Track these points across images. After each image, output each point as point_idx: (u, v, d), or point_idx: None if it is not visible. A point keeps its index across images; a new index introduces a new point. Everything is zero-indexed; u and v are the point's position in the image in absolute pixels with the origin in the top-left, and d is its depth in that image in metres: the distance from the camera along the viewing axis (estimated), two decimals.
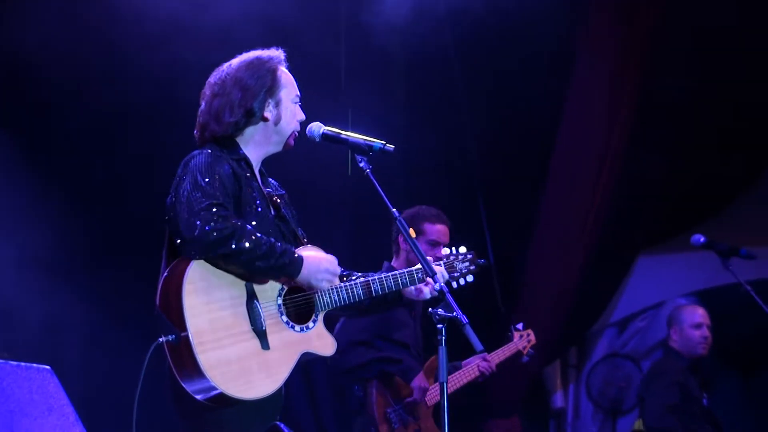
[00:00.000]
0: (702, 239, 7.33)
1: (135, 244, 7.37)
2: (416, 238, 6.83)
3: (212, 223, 4.33)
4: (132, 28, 7.57)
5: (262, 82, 4.73)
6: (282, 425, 4.49)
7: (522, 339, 7.32)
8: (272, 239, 4.49)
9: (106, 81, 7.73)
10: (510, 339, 7.32)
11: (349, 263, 5.00)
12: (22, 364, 4.68)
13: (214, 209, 4.37)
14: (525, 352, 7.31)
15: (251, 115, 4.71)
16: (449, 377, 6.99)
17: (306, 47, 7.48)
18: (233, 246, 4.35)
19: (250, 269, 4.44)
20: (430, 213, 7.04)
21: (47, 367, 4.75)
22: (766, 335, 8.72)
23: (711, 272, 9.28)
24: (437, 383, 6.98)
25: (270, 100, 4.75)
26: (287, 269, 4.51)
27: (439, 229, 7.00)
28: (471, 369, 7.10)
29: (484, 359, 7.12)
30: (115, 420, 4.77)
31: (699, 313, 8.16)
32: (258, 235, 4.43)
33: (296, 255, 4.53)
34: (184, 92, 5.38)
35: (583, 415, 10.32)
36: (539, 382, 10.25)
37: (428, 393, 6.93)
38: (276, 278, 4.55)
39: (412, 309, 6.98)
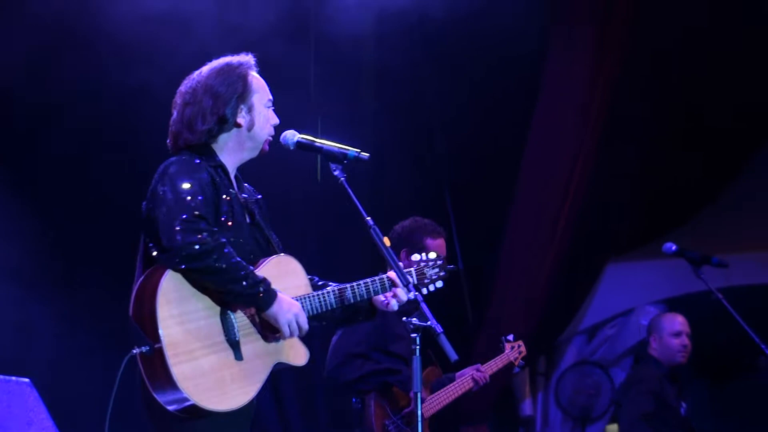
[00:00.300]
0: (674, 247, 7.30)
1: (107, 255, 7.32)
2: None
3: (196, 236, 4.27)
4: (108, 46, 7.55)
5: (234, 88, 4.67)
6: None
7: (513, 350, 7.32)
8: (251, 267, 4.43)
9: (80, 97, 7.68)
10: (502, 350, 7.31)
11: (319, 270, 4.95)
12: (1, 376, 4.61)
13: (196, 221, 4.31)
14: (516, 363, 7.32)
15: (224, 122, 4.65)
16: (444, 390, 7.01)
17: (274, 54, 7.45)
18: (213, 263, 4.29)
19: (223, 290, 4.37)
20: (429, 228, 6.97)
21: (26, 380, 4.68)
22: (735, 343, 8.73)
23: (680, 280, 9.33)
24: (433, 394, 6.98)
25: (242, 106, 4.68)
26: (258, 300, 4.44)
27: (440, 244, 6.96)
28: (465, 380, 7.09)
29: (478, 370, 7.12)
30: None
31: (678, 321, 8.14)
32: (238, 259, 4.36)
33: (271, 289, 4.46)
34: (158, 108, 5.31)
35: (552, 423, 10.32)
36: (508, 390, 10.24)
37: (425, 404, 6.91)
38: (245, 305, 4.47)
39: None
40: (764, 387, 8.48)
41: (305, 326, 4.56)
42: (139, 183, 4.85)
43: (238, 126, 4.68)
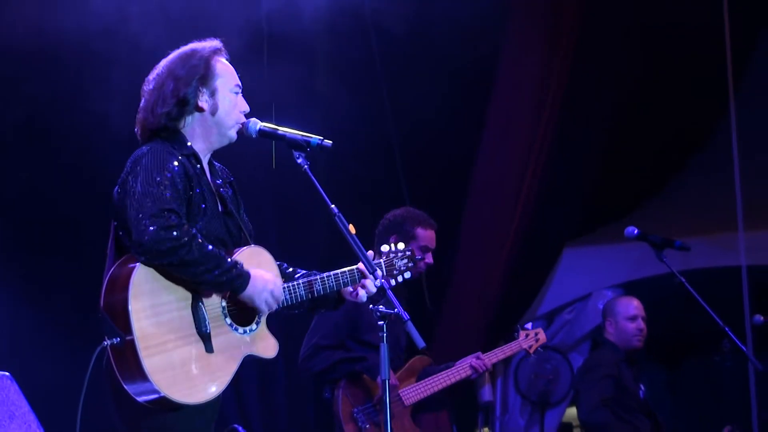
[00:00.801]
0: (636, 231, 7.28)
1: (69, 244, 7.28)
2: (408, 243, 6.69)
3: (165, 232, 4.22)
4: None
5: (195, 70, 4.60)
6: (239, 427, 4.44)
7: (528, 338, 7.27)
8: (222, 252, 4.39)
9: (40, 79, 7.62)
10: (515, 338, 7.27)
11: (278, 257, 4.92)
12: None
13: (166, 215, 4.25)
14: (532, 351, 7.27)
15: (184, 104, 4.57)
16: (434, 377, 7.00)
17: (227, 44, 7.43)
18: (183, 257, 4.24)
19: (197, 280, 4.34)
20: (421, 217, 6.98)
21: (6, 373, 4.62)
22: (691, 326, 8.77)
23: (637, 264, 9.36)
24: (419, 382, 6.95)
25: (203, 89, 4.61)
26: (233, 285, 4.41)
27: (430, 235, 6.97)
28: (462, 367, 7.07)
29: (478, 357, 7.08)
30: (60, 425, 4.66)
31: (634, 305, 8.14)
32: (209, 248, 4.33)
33: (244, 272, 4.43)
34: (115, 92, 5.26)
35: (511, 409, 10.32)
36: None
37: (406, 392, 6.88)
38: (220, 291, 4.44)
39: None
40: (723, 369, 8.50)
41: (280, 296, 4.56)
42: (95, 166, 4.80)
43: (200, 110, 4.62)
